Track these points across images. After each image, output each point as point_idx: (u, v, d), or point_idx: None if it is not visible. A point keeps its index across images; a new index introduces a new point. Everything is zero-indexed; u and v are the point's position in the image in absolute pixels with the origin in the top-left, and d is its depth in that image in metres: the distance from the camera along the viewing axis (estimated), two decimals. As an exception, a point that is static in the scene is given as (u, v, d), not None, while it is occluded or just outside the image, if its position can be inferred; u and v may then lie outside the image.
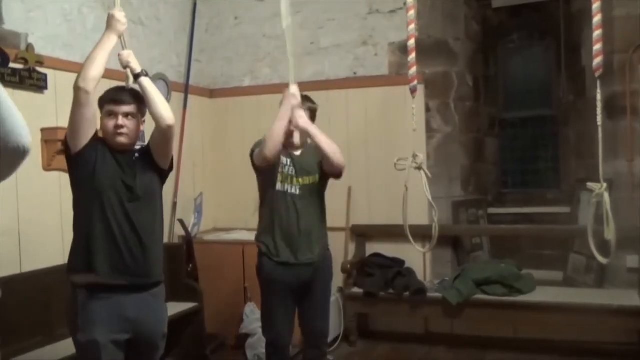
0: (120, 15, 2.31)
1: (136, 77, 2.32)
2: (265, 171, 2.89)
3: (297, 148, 2.94)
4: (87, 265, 2.23)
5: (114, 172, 2.26)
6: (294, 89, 2.81)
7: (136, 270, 2.25)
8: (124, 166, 2.28)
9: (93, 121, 2.28)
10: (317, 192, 2.95)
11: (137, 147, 2.44)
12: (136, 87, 2.32)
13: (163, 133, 2.33)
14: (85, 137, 2.25)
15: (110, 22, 2.30)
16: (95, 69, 2.20)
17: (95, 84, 2.20)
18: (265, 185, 2.92)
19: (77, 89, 2.18)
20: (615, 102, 3.91)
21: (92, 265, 2.22)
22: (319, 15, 4.61)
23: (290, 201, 2.86)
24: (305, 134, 2.88)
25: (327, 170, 2.91)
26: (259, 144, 2.88)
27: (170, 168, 2.48)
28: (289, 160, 2.90)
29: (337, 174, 2.92)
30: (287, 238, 2.85)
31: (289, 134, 2.88)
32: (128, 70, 2.33)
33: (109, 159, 2.27)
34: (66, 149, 2.29)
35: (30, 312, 2.99)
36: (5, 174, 1.53)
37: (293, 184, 2.88)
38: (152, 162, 2.38)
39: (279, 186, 2.87)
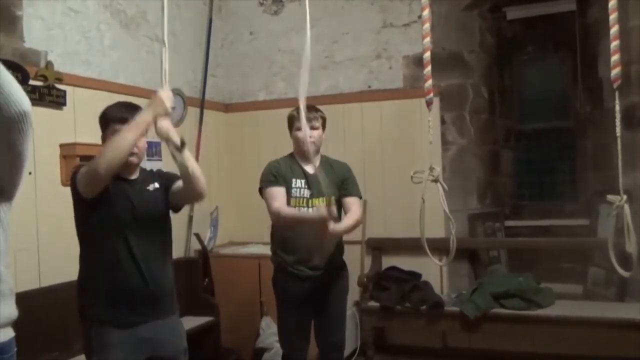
0: (165, 96, 2.07)
1: (180, 148, 2.09)
2: None
3: (309, 162, 2.87)
4: (96, 305, 2.22)
5: (123, 211, 2.20)
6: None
7: (147, 308, 2.22)
8: (134, 201, 2.23)
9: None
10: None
11: (154, 170, 2.43)
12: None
13: (197, 199, 2.33)
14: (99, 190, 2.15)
15: (153, 102, 2.08)
16: (121, 156, 2.03)
17: (111, 172, 2.05)
18: None
19: (94, 172, 2.04)
20: (633, 113, 3.86)
21: (101, 306, 2.21)
22: (334, 29, 4.64)
23: (304, 225, 2.83)
24: None
25: None
26: (267, 181, 2.86)
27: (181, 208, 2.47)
28: (302, 182, 2.87)
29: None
30: (302, 253, 2.85)
31: (304, 142, 2.81)
32: (171, 147, 2.09)
33: (119, 194, 2.21)
34: (75, 192, 2.19)
35: (48, 327, 3.01)
36: (17, 139, 1.62)
37: (308, 205, 2.85)
38: (167, 199, 2.34)
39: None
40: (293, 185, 2.86)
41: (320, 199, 2.81)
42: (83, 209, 2.22)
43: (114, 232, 2.19)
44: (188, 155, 2.14)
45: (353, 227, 2.86)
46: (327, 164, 2.96)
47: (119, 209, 2.20)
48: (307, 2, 2.23)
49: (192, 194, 2.26)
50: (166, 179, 2.38)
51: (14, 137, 1.62)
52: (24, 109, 1.60)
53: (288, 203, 2.83)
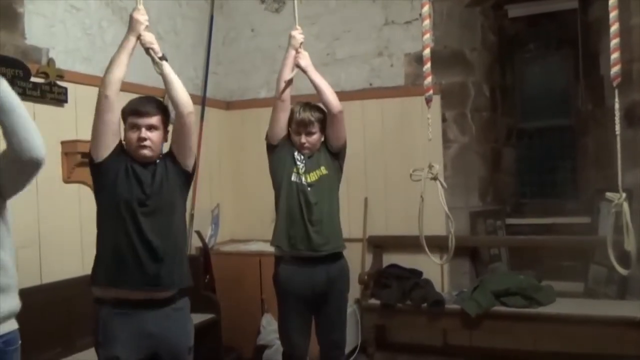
0: (138, 14, 2.26)
1: (157, 60, 2.28)
2: (280, 157, 2.93)
3: (308, 152, 2.96)
4: (105, 278, 2.24)
5: (133, 187, 2.23)
6: (295, 32, 2.95)
7: (152, 285, 2.24)
8: (144, 180, 2.25)
9: (115, 129, 2.24)
10: (327, 186, 2.96)
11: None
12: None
13: (183, 122, 2.30)
14: (106, 146, 2.22)
15: (130, 23, 2.28)
16: (115, 72, 2.19)
17: (116, 87, 2.19)
18: (279, 178, 2.94)
19: (100, 97, 2.19)
20: (635, 111, 3.87)
21: (109, 279, 2.23)
22: (335, 26, 4.64)
23: (302, 194, 2.88)
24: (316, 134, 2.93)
25: (327, 113, 2.92)
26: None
27: (194, 170, 2.45)
28: (302, 157, 2.94)
29: (334, 114, 2.89)
30: (299, 228, 2.86)
31: (300, 146, 2.92)
32: (152, 54, 2.30)
33: (131, 173, 2.24)
34: (89, 158, 2.27)
35: (50, 324, 3.01)
36: (22, 183, 1.63)
37: (303, 178, 2.91)
38: (176, 165, 2.35)
39: (293, 177, 2.91)
40: (295, 157, 2.93)
41: (313, 173, 2.92)
42: (95, 181, 2.29)
43: (124, 208, 2.21)
44: (168, 68, 2.31)
45: (320, 78, 2.94)
46: (321, 149, 3.03)
47: (125, 188, 2.23)
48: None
49: (178, 108, 2.29)
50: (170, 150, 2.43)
51: (22, 179, 1.69)
52: (38, 157, 1.63)
53: (291, 169, 2.92)
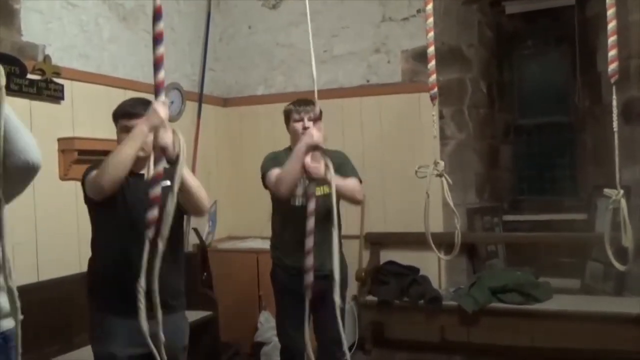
0: (157, 105, 1.91)
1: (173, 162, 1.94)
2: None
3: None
4: (101, 293, 2.28)
5: (130, 208, 2.21)
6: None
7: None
8: (142, 198, 2.24)
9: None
10: (332, 203, 2.92)
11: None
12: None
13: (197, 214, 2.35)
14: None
15: (148, 112, 2.00)
16: (121, 171, 2.05)
17: (115, 185, 2.07)
18: (279, 201, 2.89)
19: (99, 186, 2.09)
20: (633, 108, 3.87)
21: (106, 295, 2.26)
22: (333, 23, 4.63)
23: (303, 214, 2.84)
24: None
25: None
26: (268, 166, 2.84)
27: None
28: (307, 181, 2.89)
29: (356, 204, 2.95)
30: (299, 248, 2.83)
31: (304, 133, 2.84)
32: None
33: (129, 191, 2.23)
34: (85, 194, 2.26)
35: (48, 321, 3.01)
36: (19, 188, 1.58)
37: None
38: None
39: (292, 201, 2.86)
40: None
41: (320, 187, 2.80)
42: (92, 206, 2.28)
43: (122, 227, 2.21)
44: (184, 171, 2.05)
45: (344, 186, 2.79)
46: (332, 156, 2.95)
47: (127, 206, 2.22)
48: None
49: (189, 208, 2.27)
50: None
51: (17, 189, 1.59)
52: (33, 160, 1.53)
53: (295, 197, 2.84)
